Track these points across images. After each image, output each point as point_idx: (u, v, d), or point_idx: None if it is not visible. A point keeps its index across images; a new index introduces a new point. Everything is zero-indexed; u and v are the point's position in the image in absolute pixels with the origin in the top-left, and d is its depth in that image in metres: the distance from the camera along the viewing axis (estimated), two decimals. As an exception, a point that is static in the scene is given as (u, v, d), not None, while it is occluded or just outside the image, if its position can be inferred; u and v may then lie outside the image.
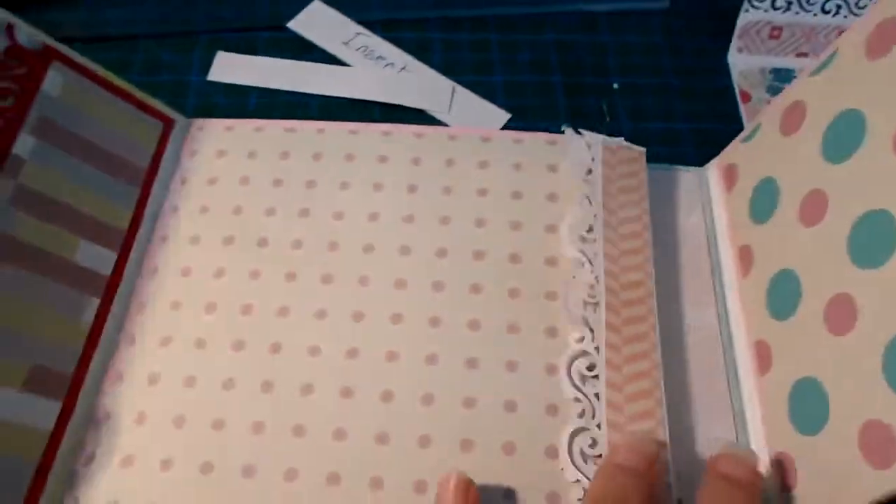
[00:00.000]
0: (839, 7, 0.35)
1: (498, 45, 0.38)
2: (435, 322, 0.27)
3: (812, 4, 0.36)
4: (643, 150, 0.31)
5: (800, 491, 0.22)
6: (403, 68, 0.37)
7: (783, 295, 0.25)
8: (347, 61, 0.37)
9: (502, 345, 0.26)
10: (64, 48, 0.27)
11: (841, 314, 0.21)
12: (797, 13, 0.36)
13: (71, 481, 0.24)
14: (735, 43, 0.37)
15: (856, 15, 0.35)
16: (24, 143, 0.25)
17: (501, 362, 0.26)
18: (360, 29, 0.38)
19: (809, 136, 0.25)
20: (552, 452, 0.24)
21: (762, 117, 0.28)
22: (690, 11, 0.40)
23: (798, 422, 0.23)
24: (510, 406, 0.25)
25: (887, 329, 0.19)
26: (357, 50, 0.37)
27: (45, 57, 0.26)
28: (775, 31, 0.37)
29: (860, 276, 0.21)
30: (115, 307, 0.27)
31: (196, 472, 0.24)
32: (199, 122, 0.32)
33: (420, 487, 0.24)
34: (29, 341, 0.24)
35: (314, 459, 0.24)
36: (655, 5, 0.40)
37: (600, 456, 0.24)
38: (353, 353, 0.26)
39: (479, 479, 0.23)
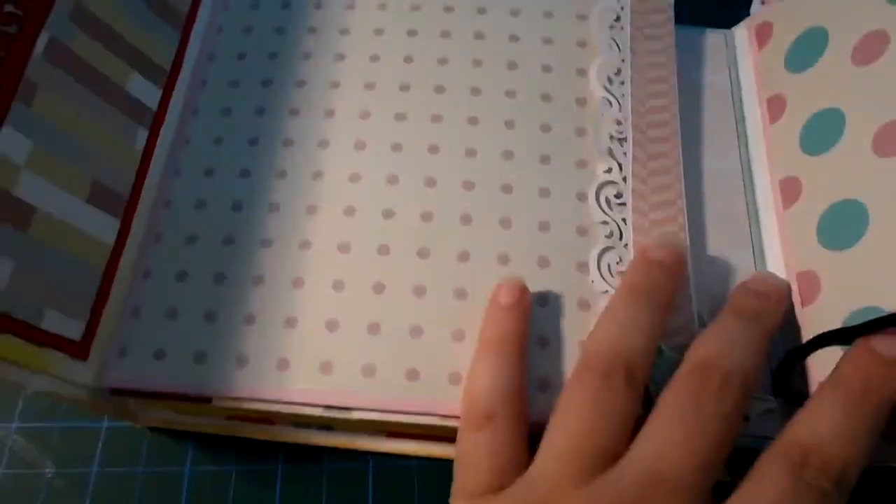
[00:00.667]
0: None
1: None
2: (471, 153, 0.28)
3: None
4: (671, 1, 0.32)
5: (821, 301, 0.24)
6: None
7: (822, 131, 0.26)
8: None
9: (535, 173, 0.28)
10: None
11: (892, 138, 0.23)
12: None
13: (132, 292, 0.26)
14: None
15: None
16: (82, -40, 0.25)
17: (535, 189, 0.27)
18: None
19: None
20: (583, 268, 0.26)
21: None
22: None
23: (827, 240, 0.24)
24: (543, 226, 0.27)
25: None
26: None
27: None
28: None
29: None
30: (160, 143, 0.29)
31: (247, 284, 0.26)
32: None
33: (461, 294, 0.25)
34: (90, 155, 0.25)
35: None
36: None
37: (627, 271, 0.26)
38: (393, 180, 0.28)
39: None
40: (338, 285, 0.25)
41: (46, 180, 0.23)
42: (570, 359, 0.24)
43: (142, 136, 0.28)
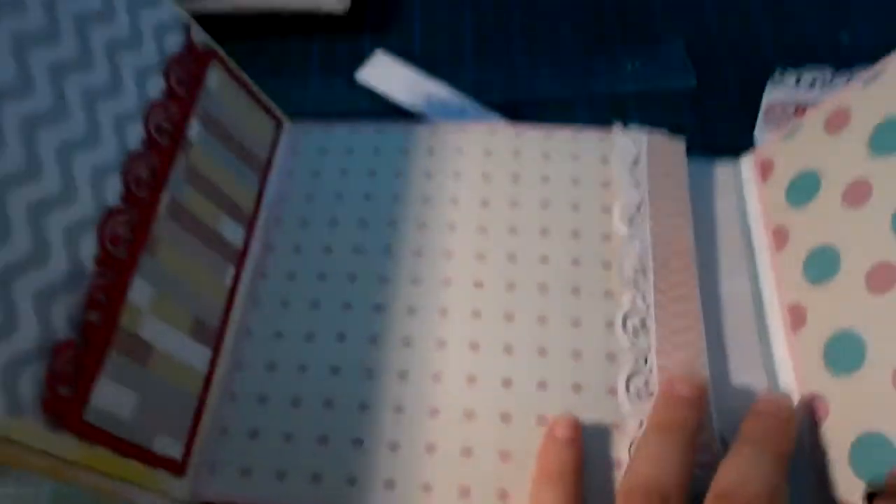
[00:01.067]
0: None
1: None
2: (510, 287, 0.32)
3: (835, 84, 0.39)
4: (683, 140, 0.36)
5: (829, 424, 0.27)
6: (463, 111, 0.41)
7: (821, 264, 0.30)
8: (411, 106, 0.41)
9: (567, 304, 0.32)
10: (219, 48, 0.33)
11: (882, 277, 0.26)
12: (823, 90, 0.39)
13: (220, 413, 0.30)
14: (761, 119, 0.39)
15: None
16: (193, 128, 0.31)
17: (567, 319, 0.31)
18: (421, 76, 0.42)
19: (855, 135, 0.30)
20: (613, 392, 0.30)
21: (804, 120, 0.34)
22: (718, 90, 0.42)
23: (833, 366, 0.28)
24: (576, 355, 0.30)
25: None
26: (419, 95, 0.41)
27: (208, 56, 0.32)
28: (800, 110, 0.39)
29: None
30: (244, 275, 0.33)
31: (320, 407, 0.30)
32: (302, 125, 0.38)
33: (506, 419, 0.29)
34: (193, 294, 0.30)
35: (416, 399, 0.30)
36: (684, 84, 0.42)
37: (653, 394, 0.29)
38: (443, 312, 0.32)
39: (554, 413, 0.28)
40: (399, 409, 0.29)
41: (162, 321, 0.28)
42: (607, 481, 0.28)
43: (230, 272, 0.32)
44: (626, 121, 0.40)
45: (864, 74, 0.31)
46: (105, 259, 0.26)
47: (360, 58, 0.44)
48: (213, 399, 0.30)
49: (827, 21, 0.46)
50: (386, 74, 0.42)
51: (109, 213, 0.26)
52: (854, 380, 0.27)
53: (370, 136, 0.37)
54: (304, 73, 0.44)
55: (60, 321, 0.24)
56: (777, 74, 0.41)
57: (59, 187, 0.24)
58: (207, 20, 0.43)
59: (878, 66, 0.31)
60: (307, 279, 0.33)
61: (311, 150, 0.37)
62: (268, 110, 0.36)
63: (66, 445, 0.23)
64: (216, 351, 0.31)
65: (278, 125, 0.37)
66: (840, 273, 0.29)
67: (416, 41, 0.45)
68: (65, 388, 0.23)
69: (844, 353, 0.27)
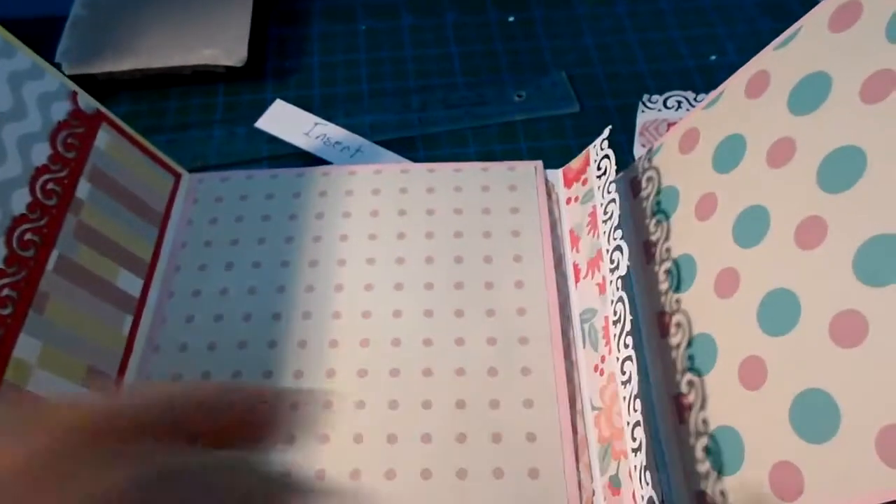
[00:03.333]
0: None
1: (425, 159, 0.43)
2: (397, 314, 0.34)
3: (698, 101, 0.43)
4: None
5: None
6: (358, 150, 0.43)
7: (680, 275, 0.32)
8: (308, 149, 0.42)
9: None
10: (107, 112, 0.35)
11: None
12: (687, 110, 0.43)
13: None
14: (637, 139, 0.43)
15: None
16: (83, 188, 0.32)
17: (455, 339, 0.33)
18: (318, 119, 0.45)
19: (702, 154, 0.32)
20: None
21: (664, 140, 0.36)
22: (600, 114, 0.45)
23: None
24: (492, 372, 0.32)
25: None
26: (316, 138, 0.44)
27: (97, 119, 0.34)
28: (670, 126, 0.42)
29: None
30: (143, 322, 0.34)
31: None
32: (199, 175, 0.40)
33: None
34: (86, 345, 0.31)
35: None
36: (567, 110, 0.45)
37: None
38: (333, 344, 0.33)
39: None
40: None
41: (51, 373, 0.29)
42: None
43: (128, 321, 0.34)
44: (516, 147, 0.43)
45: (709, 96, 0.34)
46: (-11, 319, 0.27)
47: (261, 107, 0.46)
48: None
49: (699, 48, 0.49)
50: (284, 120, 0.44)
51: (-7, 275, 0.28)
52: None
53: (265, 181, 0.39)
54: (208, 124, 0.46)
55: (-58, 382, 0.25)
56: (646, 98, 0.44)
57: (-62, 255, 0.26)
58: (109, 81, 0.46)
59: (720, 88, 0.33)
60: (204, 322, 0.34)
61: (208, 198, 0.39)
62: (163, 165, 0.38)
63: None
64: (114, 399, 0.32)
65: (176, 178, 0.39)
66: (696, 282, 0.31)
67: (316, 87, 0.48)
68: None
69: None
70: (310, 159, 0.43)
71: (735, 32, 0.50)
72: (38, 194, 0.31)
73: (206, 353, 0.33)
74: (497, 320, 0.33)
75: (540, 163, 0.38)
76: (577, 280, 0.35)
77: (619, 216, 0.32)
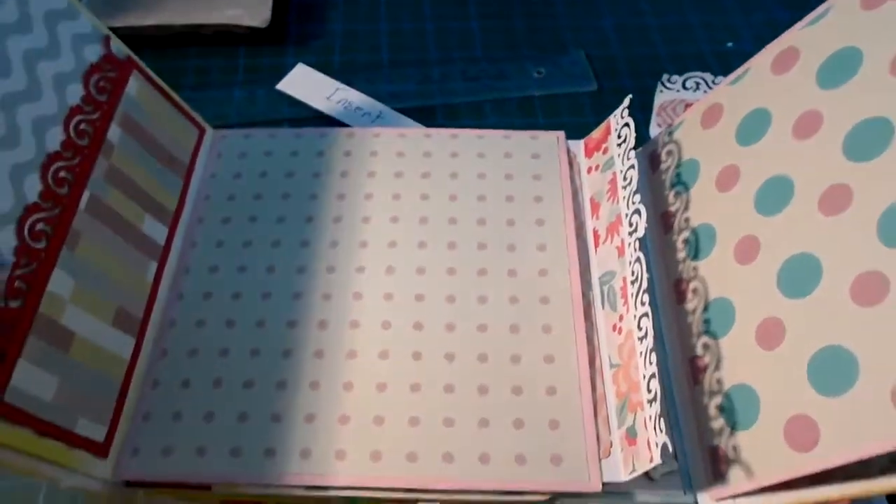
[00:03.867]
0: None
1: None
2: (420, 271, 0.35)
3: (716, 83, 0.43)
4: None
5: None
6: (379, 116, 0.44)
7: (698, 244, 0.33)
8: (330, 113, 0.43)
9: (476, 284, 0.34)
10: (138, 59, 0.35)
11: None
12: (705, 91, 0.44)
13: (142, 399, 0.31)
14: (654, 119, 0.44)
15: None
16: (114, 132, 0.32)
17: (477, 297, 0.34)
18: (339, 85, 0.45)
19: (725, 128, 0.33)
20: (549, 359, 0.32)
21: (685, 116, 0.37)
22: (617, 93, 0.46)
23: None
24: (514, 329, 0.33)
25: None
26: (338, 103, 0.44)
27: (128, 65, 0.34)
28: (688, 107, 0.41)
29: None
30: (167, 270, 0.35)
31: (240, 388, 0.31)
32: (223, 131, 0.40)
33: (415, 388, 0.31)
34: (115, 286, 0.31)
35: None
36: (585, 88, 0.46)
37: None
38: (357, 297, 0.34)
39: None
40: (315, 385, 0.31)
41: (83, 310, 0.29)
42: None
43: (152, 267, 0.34)
44: (534, 121, 0.44)
45: (733, 74, 0.35)
46: (25, 251, 0.27)
47: (281, 71, 0.46)
48: (135, 385, 0.31)
49: (716, 32, 0.50)
50: (306, 84, 0.45)
51: (28, 209, 0.28)
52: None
53: (288, 139, 0.39)
54: (229, 85, 0.46)
55: (-20, 308, 0.25)
56: (665, 78, 0.45)
57: (-22, 183, 0.26)
58: (132, 37, 0.46)
59: (744, 66, 0.34)
60: (228, 272, 0.34)
61: (231, 154, 0.39)
62: (189, 118, 0.38)
63: (-14, 425, 0.25)
64: (140, 340, 0.32)
65: (200, 132, 0.39)
66: (714, 250, 0.32)
67: (336, 54, 0.48)
68: (-16, 371, 0.25)
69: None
70: (330, 123, 0.44)
71: (752, 21, 0.51)
72: (72, 133, 0.31)
73: (230, 301, 0.34)
74: (519, 280, 0.34)
75: (562, 133, 0.39)
76: (596, 245, 0.36)
77: (638, 183, 0.33)
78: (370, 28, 0.49)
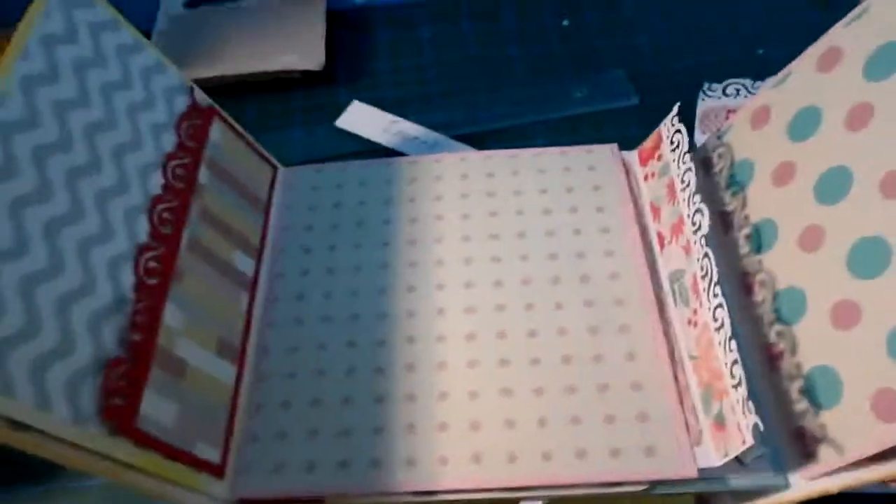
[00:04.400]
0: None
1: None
2: (497, 284, 0.36)
3: (755, 88, 0.45)
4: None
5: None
6: (435, 144, 0.46)
7: (762, 237, 0.34)
8: (388, 145, 0.45)
9: (557, 291, 0.36)
10: (218, 107, 0.38)
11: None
12: (746, 97, 0.46)
13: (248, 422, 0.33)
14: (698, 127, 0.45)
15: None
16: (203, 174, 0.35)
17: (564, 304, 0.35)
18: (393, 117, 0.48)
19: (775, 127, 0.35)
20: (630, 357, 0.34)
21: (734, 120, 0.39)
22: (658, 106, 0.45)
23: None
24: (593, 331, 0.34)
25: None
26: (394, 135, 0.47)
27: (210, 113, 0.37)
28: (730, 114, 0.45)
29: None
30: (257, 300, 0.37)
31: (339, 405, 0.33)
32: (294, 168, 0.43)
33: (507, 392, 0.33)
34: (215, 318, 0.33)
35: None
36: (628, 103, 0.49)
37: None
38: (440, 312, 0.35)
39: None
40: (410, 397, 0.33)
41: (192, 341, 0.31)
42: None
43: (244, 298, 0.36)
44: (581, 139, 0.46)
45: (776, 77, 0.37)
46: (141, 287, 0.29)
47: (335, 109, 0.49)
48: (240, 409, 0.33)
49: (745, 40, 0.53)
50: (363, 120, 0.47)
51: (141, 249, 0.30)
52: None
53: (356, 171, 0.42)
54: (288, 126, 0.49)
55: (110, 341, 0.27)
56: (706, 87, 0.47)
57: (99, 227, 0.28)
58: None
59: (786, 70, 0.36)
60: (315, 298, 0.37)
61: (305, 187, 0.41)
62: (263, 157, 0.41)
63: (123, 450, 0.26)
64: (240, 366, 0.34)
65: (274, 169, 0.42)
66: (779, 244, 0.34)
67: (387, 89, 0.51)
68: (118, 399, 0.27)
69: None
70: (389, 154, 0.46)
71: (782, 25, 0.53)
72: (170, 178, 0.33)
73: (320, 325, 0.36)
74: (591, 285, 0.35)
75: (615, 145, 0.41)
76: (661, 247, 0.37)
77: (696, 184, 0.35)
78: (415, 62, 0.52)
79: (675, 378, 0.32)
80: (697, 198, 0.34)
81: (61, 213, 0.27)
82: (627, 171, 0.41)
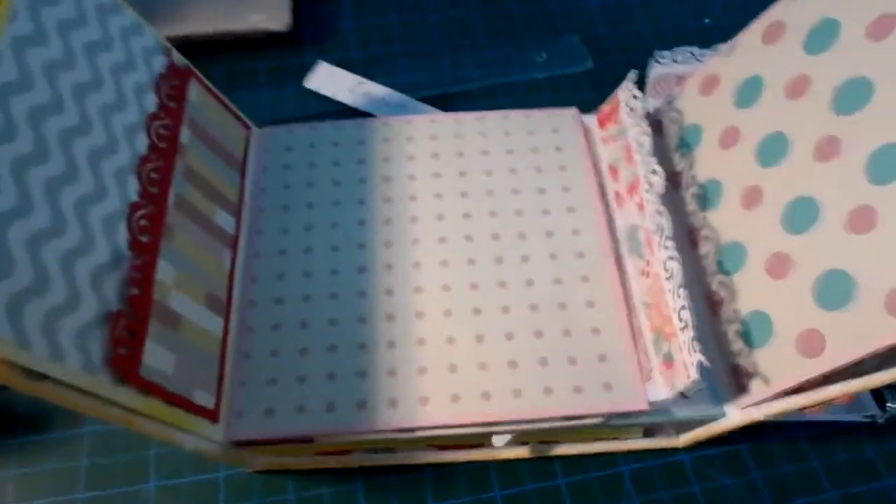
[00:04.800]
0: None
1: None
2: (468, 238, 0.39)
3: (704, 56, 0.49)
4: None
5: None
6: (402, 106, 0.48)
7: (708, 196, 0.38)
8: (356, 106, 0.47)
9: (519, 245, 0.39)
10: (193, 67, 0.38)
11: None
12: (694, 65, 0.49)
13: (238, 370, 0.35)
14: (649, 92, 0.48)
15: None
16: (184, 134, 0.36)
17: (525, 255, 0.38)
18: (361, 79, 0.49)
19: (722, 95, 0.38)
20: (591, 304, 0.37)
21: (684, 87, 0.42)
22: (611, 72, 0.51)
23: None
24: (557, 281, 0.38)
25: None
26: (362, 96, 0.48)
27: (187, 74, 0.37)
28: (680, 80, 0.48)
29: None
30: (239, 256, 0.38)
31: (324, 352, 0.35)
32: (267, 128, 0.44)
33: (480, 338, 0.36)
34: (202, 273, 0.35)
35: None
36: (583, 68, 0.52)
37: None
38: (416, 265, 0.38)
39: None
40: (391, 344, 0.35)
41: (184, 295, 0.33)
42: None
43: (227, 254, 0.38)
44: (542, 101, 0.48)
45: (725, 47, 0.40)
46: (135, 244, 0.31)
47: (302, 70, 0.50)
48: (230, 358, 0.35)
49: (692, 10, 0.56)
50: (330, 80, 0.49)
51: (133, 207, 0.31)
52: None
53: (329, 131, 0.43)
54: (255, 86, 0.49)
55: (111, 296, 0.29)
56: (657, 54, 0.50)
57: (93, 186, 0.29)
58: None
59: (735, 40, 0.39)
60: (296, 254, 0.38)
61: (278, 147, 0.43)
62: (237, 117, 0.42)
63: (130, 397, 0.28)
64: (227, 319, 0.36)
65: (247, 129, 0.43)
66: (723, 202, 0.37)
67: (353, 50, 0.52)
68: (123, 350, 0.28)
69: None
70: (357, 115, 0.47)
71: (725, -2, 0.56)
72: (154, 138, 0.34)
73: (302, 279, 0.38)
74: (555, 240, 0.39)
75: (576, 109, 0.44)
76: (618, 205, 0.41)
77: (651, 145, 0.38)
78: (379, 22, 0.53)
79: (630, 323, 0.36)
80: (653, 160, 0.37)
81: (59, 172, 0.28)
82: (587, 133, 0.43)
